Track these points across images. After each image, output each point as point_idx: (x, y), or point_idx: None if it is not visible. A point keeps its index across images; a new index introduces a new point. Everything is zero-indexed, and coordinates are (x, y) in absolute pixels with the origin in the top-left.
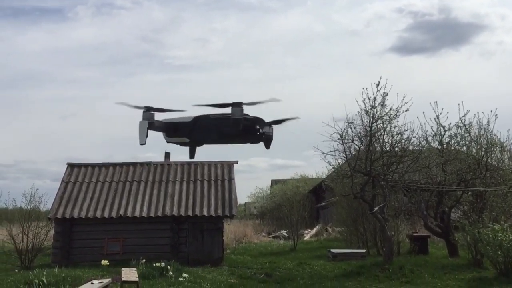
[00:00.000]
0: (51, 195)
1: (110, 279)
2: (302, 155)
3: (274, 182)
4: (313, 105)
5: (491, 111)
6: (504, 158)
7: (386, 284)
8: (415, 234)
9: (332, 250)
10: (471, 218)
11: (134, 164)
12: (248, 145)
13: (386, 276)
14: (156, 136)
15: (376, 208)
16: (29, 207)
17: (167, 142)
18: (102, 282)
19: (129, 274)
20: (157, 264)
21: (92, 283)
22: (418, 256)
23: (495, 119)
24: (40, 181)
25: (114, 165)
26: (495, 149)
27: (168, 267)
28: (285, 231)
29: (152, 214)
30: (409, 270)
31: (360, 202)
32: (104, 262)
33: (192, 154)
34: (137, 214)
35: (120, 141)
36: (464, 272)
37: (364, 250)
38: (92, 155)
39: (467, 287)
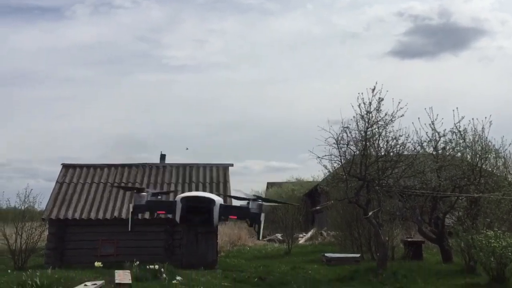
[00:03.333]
0: (45, 195)
1: (103, 281)
2: (298, 158)
3: (270, 185)
4: (310, 108)
5: (485, 117)
6: (498, 164)
7: None
8: (409, 239)
9: (326, 254)
10: (465, 224)
11: (130, 166)
12: (244, 146)
13: (379, 281)
14: (152, 134)
15: (370, 213)
16: (23, 207)
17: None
18: (95, 284)
19: (123, 276)
20: (151, 266)
21: (85, 285)
22: (412, 261)
23: (490, 126)
24: (33, 180)
25: (109, 166)
26: (489, 156)
27: (162, 269)
28: (279, 235)
29: (147, 217)
30: (402, 276)
31: (354, 206)
32: (97, 263)
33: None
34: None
35: (115, 141)
36: (457, 278)
37: (358, 255)
38: (86, 155)
39: None
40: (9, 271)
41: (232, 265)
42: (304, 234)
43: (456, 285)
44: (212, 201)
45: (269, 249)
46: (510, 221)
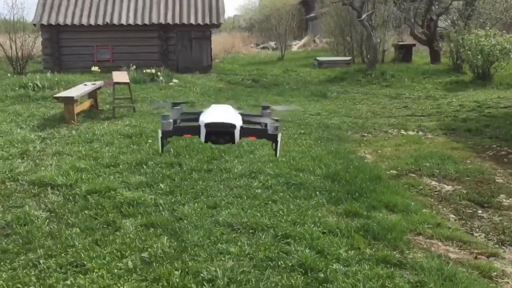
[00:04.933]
0: (34, 4)
1: (102, 81)
2: None
3: None
4: None
5: None
6: None
7: (368, 88)
8: (400, 43)
9: (318, 58)
10: (458, 26)
11: None
12: None
13: (368, 80)
14: None
15: (364, 16)
16: (13, 17)
17: None
18: (94, 84)
19: (120, 76)
20: (148, 70)
21: (85, 85)
22: (401, 63)
23: None
24: None
25: None
26: None
27: (159, 73)
28: (273, 43)
29: (139, 22)
30: (390, 75)
31: (349, 11)
32: (94, 68)
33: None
34: (123, 21)
35: None
36: (443, 77)
37: (349, 58)
38: None
39: (443, 89)
40: (9, 75)
41: (226, 70)
42: (297, 41)
43: (441, 82)
44: (233, 126)
45: (263, 56)
46: (503, 21)
